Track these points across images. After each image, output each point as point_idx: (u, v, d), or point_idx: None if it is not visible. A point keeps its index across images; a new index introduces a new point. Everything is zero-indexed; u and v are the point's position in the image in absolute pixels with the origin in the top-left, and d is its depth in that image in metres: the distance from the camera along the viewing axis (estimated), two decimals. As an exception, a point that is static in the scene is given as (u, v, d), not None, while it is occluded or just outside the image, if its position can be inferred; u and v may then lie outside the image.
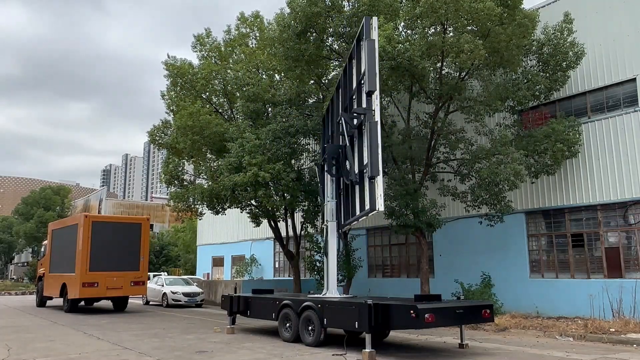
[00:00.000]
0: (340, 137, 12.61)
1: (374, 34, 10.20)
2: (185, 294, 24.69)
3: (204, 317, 19.22)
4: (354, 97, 12.04)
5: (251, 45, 23.08)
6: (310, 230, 22.09)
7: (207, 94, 22.48)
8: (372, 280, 22.90)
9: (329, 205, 12.78)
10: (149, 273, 26.00)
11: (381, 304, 10.07)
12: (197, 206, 23.00)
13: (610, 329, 12.60)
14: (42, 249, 26.66)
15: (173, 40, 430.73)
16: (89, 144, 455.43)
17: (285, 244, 23.37)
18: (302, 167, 21.31)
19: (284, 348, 11.23)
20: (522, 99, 15.93)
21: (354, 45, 11.84)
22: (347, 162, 11.77)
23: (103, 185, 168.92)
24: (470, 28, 14.80)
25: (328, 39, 18.06)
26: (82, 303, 22.08)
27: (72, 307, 20.78)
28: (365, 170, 10.54)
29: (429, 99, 17.24)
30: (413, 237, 19.09)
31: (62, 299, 21.70)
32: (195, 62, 23.34)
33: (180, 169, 23.11)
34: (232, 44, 23.12)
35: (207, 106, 21.89)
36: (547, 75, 16.23)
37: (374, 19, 10.50)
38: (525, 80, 16.00)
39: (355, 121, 11.14)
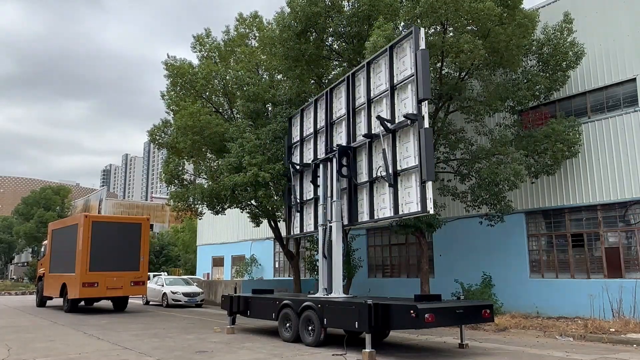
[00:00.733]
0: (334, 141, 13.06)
1: (423, 44, 10.45)
2: (185, 294, 24.70)
3: (204, 317, 19.22)
4: (372, 100, 12.07)
5: (251, 45, 23.07)
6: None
7: (207, 94, 22.46)
8: (372, 280, 22.90)
9: (335, 206, 12.74)
10: (149, 273, 26.00)
11: (381, 304, 10.06)
12: (197, 206, 22.99)
13: (610, 329, 12.60)
14: (42, 249, 26.66)
15: (172, 37, 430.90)
16: (89, 144, 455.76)
17: (285, 244, 23.36)
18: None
19: (284, 348, 11.23)
20: (522, 99, 15.94)
21: (387, 50, 11.76)
22: (366, 164, 12.08)
23: (103, 185, 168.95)
24: (470, 28, 14.80)
25: (328, 39, 18.07)
26: (82, 303, 22.08)
27: (72, 307, 20.78)
28: (398, 172, 10.90)
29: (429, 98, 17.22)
30: (413, 237, 19.08)
31: (62, 299, 21.71)
32: (195, 62, 23.35)
33: (180, 169, 23.10)
34: (232, 44, 23.10)
35: (207, 106, 21.89)
36: (547, 75, 16.22)
37: (422, 30, 10.75)
38: (525, 80, 16.00)
39: (389, 125, 11.15)
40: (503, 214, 16.25)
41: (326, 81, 20.34)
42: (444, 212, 18.19)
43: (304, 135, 15.56)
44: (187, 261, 48.31)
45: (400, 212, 11.01)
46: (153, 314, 20.99)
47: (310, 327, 11.55)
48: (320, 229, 13.22)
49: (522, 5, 15.32)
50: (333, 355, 10.23)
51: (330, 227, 12.92)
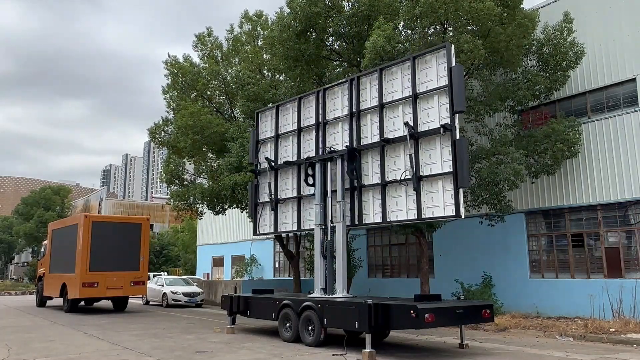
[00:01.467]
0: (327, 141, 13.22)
1: (454, 60, 11.15)
2: (185, 294, 24.69)
3: (204, 317, 19.22)
4: (383, 106, 12.34)
5: (253, 45, 23.06)
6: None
7: (208, 93, 22.49)
8: (372, 280, 22.90)
9: (340, 206, 12.73)
10: (149, 273, 26.00)
11: (381, 304, 10.07)
12: (198, 206, 23.01)
13: (610, 329, 12.60)
14: (42, 249, 26.66)
15: (172, 37, 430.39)
16: (88, 144, 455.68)
17: (285, 244, 23.37)
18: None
19: (284, 348, 11.23)
20: (522, 99, 15.94)
21: (408, 60, 12.13)
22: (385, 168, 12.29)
23: (103, 185, 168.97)
24: (470, 28, 14.80)
25: (328, 39, 18.06)
26: (82, 303, 22.08)
27: (72, 307, 20.78)
28: (421, 178, 11.30)
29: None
30: (413, 237, 19.08)
31: (62, 299, 21.71)
32: (196, 60, 23.35)
33: (180, 169, 23.12)
34: (235, 43, 23.10)
35: (208, 106, 21.91)
36: (547, 75, 16.22)
37: (452, 47, 11.35)
38: (525, 80, 16.00)
39: (412, 131, 11.53)
40: (503, 213, 16.26)
41: (326, 81, 20.34)
42: (444, 212, 18.16)
43: (280, 132, 15.08)
44: (187, 261, 48.32)
45: (423, 216, 11.34)
46: (153, 314, 21.00)
47: (310, 327, 11.55)
48: (317, 228, 13.15)
49: (522, 5, 15.33)
50: (333, 355, 10.23)
51: (334, 227, 12.87)
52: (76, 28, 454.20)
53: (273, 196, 14.71)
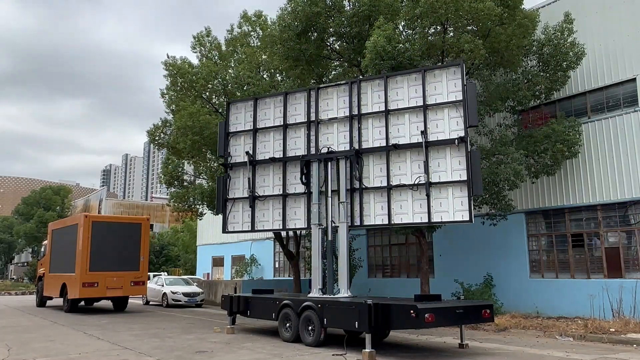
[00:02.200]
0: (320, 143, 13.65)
1: (465, 79, 11.93)
2: (185, 294, 24.68)
3: (204, 317, 19.22)
4: (389, 112, 12.70)
5: (253, 45, 23.04)
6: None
7: (207, 93, 22.46)
8: (372, 280, 22.90)
9: (342, 207, 12.73)
10: (149, 273, 25.99)
11: (381, 304, 10.08)
12: (197, 206, 22.99)
13: (610, 329, 12.60)
14: (42, 249, 26.66)
15: (170, 34, 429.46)
16: (87, 143, 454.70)
17: (285, 244, 23.36)
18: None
19: (284, 348, 11.23)
20: (522, 99, 15.94)
21: (421, 72, 12.60)
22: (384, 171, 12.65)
23: (103, 185, 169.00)
24: (470, 28, 14.81)
25: (329, 39, 18.05)
26: (82, 303, 22.08)
27: (72, 307, 20.77)
28: (425, 181, 11.86)
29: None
30: (413, 237, 19.09)
31: (62, 299, 21.70)
32: (195, 61, 23.33)
33: (180, 169, 23.10)
34: (234, 43, 23.08)
35: (207, 106, 21.88)
36: (547, 75, 16.22)
37: (463, 65, 12.15)
38: (525, 80, 16.01)
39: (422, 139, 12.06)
40: (505, 212, 16.26)
41: (327, 80, 20.35)
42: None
43: (258, 126, 14.65)
44: (187, 261, 48.30)
45: (432, 220, 11.84)
46: (153, 314, 20.99)
47: (310, 327, 11.55)
48: (315, 228, 13.11)
49: (523, 5, 15.34)
50: (333, 355, 10.23)
51: (336, 227, 12.86)
52: (74, 25, 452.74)
53: (250, 192, 14.23)
